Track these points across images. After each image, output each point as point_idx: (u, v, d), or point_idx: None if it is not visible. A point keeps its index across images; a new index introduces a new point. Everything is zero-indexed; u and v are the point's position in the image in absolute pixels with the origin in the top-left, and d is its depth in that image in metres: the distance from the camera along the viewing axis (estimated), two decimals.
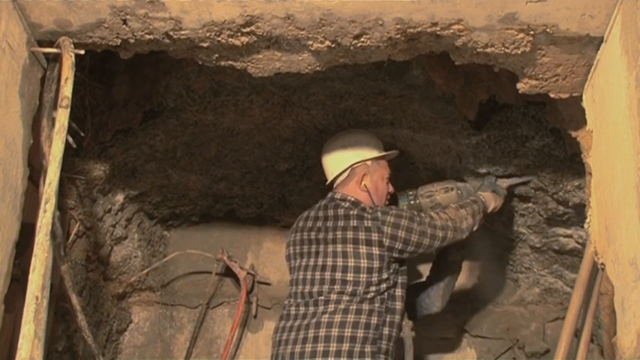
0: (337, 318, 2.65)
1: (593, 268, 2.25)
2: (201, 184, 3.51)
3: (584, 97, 2.16)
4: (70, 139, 2.18)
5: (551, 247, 3.37)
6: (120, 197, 3.31)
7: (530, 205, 3.22)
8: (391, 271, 2.74)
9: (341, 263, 2.73)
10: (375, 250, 2.71)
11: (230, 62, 2.23)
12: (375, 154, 2.98)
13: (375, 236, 2.72)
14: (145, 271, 3.63)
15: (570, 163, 2.80)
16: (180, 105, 2.94)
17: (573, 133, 2.31)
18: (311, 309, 2.73)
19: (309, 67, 2.22)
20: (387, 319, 2.71)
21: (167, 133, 3.09)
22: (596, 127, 2.07)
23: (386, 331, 2.69)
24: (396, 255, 2.75)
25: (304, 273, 2.82)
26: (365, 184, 2.93)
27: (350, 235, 2.75)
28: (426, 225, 2.79)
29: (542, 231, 3.32)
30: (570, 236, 3.24)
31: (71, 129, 2.17)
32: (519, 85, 2.20)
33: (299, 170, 3.43)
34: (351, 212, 2.80)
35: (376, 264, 2.70)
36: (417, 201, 3.15)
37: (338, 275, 2.71)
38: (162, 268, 3.81)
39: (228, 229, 3.84)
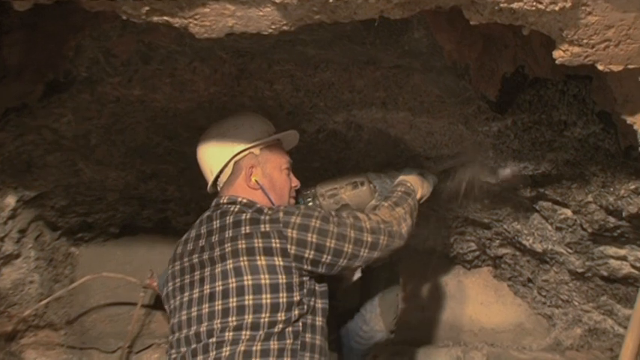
0: None
1: None
2: (123, 183, 3.50)
3: None
4: None
5: (598, 273, 3.41)
6: (10, 200, 3.30)
7: (569, 214, 3.25)
8: (305, 291, 2.69)
9: (234, 284, 2.65)
10: (278, 261, 2.65)
11: (165, 18, 2.23)
12: (264, 138, 2.97)
13: (275, 243, 2.67)
14: (43, 302, 3.61)
15: (624, 159, 2.83)
16: (97, 75, 2.94)
17: (629, 119, 2.33)
18: (199, 359, 2.65)
19: (273, 27, 2.23)
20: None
21: (78, 112, 3.09)
22: None
23: None
24: (308, 268, 2.70)
25: (188, 311, 2.73)
26: (256, 180, 2.91)
27: (242, 244, 2.68)
28: (347, 227, 2.75)
29: (587, 250, 3.35)
30: (624, 258, 3.27)
31: None
32: (557, 54, 2.23)
33: None
34: (243, 217, 2.75)
35: (282, 279, 2.64)
36: (317, 202, 3.15)
37: (232, 302, 2.63)
38: (68, 298, 3.79)
39: (161, 245, 3.84)
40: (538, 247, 3.48)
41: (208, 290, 2.70)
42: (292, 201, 3.02)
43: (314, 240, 2.68)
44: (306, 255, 2.67)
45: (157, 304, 3.77)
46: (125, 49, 2.86)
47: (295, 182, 3.03)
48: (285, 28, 2.23)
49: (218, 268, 2.69)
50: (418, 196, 3.06)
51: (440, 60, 2.84)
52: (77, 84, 2.97)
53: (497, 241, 3.69)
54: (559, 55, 2.22)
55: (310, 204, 3.14)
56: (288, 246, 2.66)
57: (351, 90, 3.06)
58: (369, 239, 2.76)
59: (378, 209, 2.90)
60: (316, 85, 3.04)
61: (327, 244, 2.69)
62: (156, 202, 3.65)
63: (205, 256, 2.76)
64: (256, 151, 2.93)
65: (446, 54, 2.79)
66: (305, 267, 2.68)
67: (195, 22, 2.22)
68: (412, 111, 3.11)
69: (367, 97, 3.09)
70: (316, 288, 2.75)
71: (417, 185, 3.07)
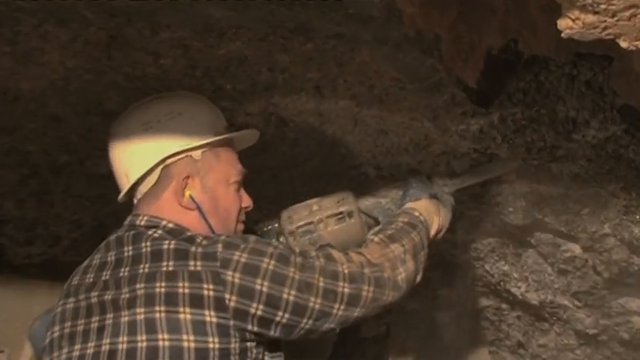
0: None
1: None
2: None
3: None
4: None
5: (617, 336, 3.45)
6: None
7: (577, 252, 3.28)
8: None
9: (144, 344, 2.50)
10: (210, 317, 2.51)
11: None
12: (209, 137, 2.85)
13: (208, 290, 2.53)
14: None
15: None
16: None
17: None
18: None
19: None
20: None
21: None
22: None
23: None
24: (254, 329, 2.57)
25: None
26: (191, 195, 2.79)
27: (160, 288, 2.53)
28: (316, 271, 2.62)
29: (601, 304, 3.39)
30: None
31: None
32: (563, 24, 2.25)
33: None
34: (165, 246, 2.61)
35: (214, 343, 2.51)
36: (281, 240, 3.09)
37: None
38: None
39: None
40: (533, 298, 3.52)
41: (107, 347, 2.55)
42: (241, 227, 2.90)
43: (265, 289, 2.52)
44: (253, 310, 2.52)
45: None
46: None
47: (247, 201, 2.92)
48: None
49: (124, 317, 2.55)
50: (434, 229, 3.01)
51: (398, 29, 2.86)
52: None
53: (476, 289, 3.72)
54: (566, 25, 2.23)
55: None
56: (227, 295, 2.50)
57: (272, 68, 3.07)
58: (347, 290, 2.62)
59: (364, 246, 2.83)
60: (221, 60, 3.05)
61: (285, 295, 2.54)
62: None
63: (108, 296, 2.62)
64: (196, 154, 2.80)
65: (407, 20, 2.81)
66: (249, 327, 2.54)
67: None
68: (357, 100, 3.13)
69: (294, 79, 3.10)
70: (267, 354, 2.66)
71: (430, 214, 2.99)
